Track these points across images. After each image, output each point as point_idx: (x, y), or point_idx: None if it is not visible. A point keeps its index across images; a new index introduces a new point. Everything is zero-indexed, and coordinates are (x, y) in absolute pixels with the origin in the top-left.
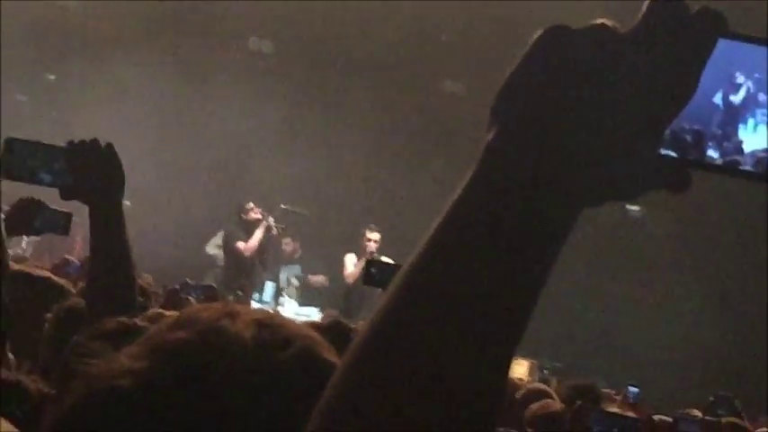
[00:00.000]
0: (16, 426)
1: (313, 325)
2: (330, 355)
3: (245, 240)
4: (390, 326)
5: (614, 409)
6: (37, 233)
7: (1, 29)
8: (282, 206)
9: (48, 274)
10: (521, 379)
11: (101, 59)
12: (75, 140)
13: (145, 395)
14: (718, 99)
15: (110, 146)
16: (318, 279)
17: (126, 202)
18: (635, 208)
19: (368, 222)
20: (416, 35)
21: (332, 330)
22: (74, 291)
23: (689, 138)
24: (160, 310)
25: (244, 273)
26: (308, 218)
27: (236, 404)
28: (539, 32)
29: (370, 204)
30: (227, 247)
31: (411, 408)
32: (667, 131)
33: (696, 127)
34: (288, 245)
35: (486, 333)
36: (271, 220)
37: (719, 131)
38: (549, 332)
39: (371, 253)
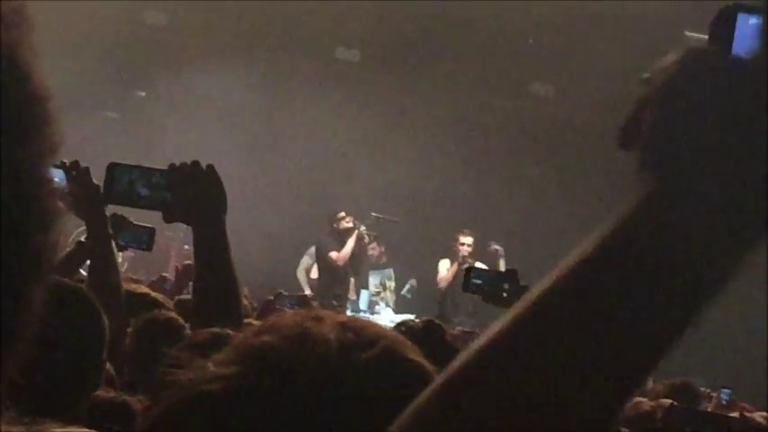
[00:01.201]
0: None
1: (405, 324)
2: (414, 354)
3: (338, 250)
4: (518, 339)
5: (709, 409)
6: (121, 249)
7: (90, 47)
8: (373, 214)
9: (133, 287)
10: None
11: (189, 75)
12: (176, 163)
13: (234, 399)
14: None
15: (210, 167)
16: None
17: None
18: None
19: (459, 227)
20: (502, 38)
21: (424, 330)
22: (166, 304)
23: None
24: (249, 320)
25: (338, 282)
26: (399, 225)
27: (323, 405)
28: (678, 57)
29: (461, 209)
30: (321, 257)
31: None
32: None
33: None
34: (374, 249)
35: (616, 369)
36: (362, 228)
37: None
38: None
39: (464, 257)
